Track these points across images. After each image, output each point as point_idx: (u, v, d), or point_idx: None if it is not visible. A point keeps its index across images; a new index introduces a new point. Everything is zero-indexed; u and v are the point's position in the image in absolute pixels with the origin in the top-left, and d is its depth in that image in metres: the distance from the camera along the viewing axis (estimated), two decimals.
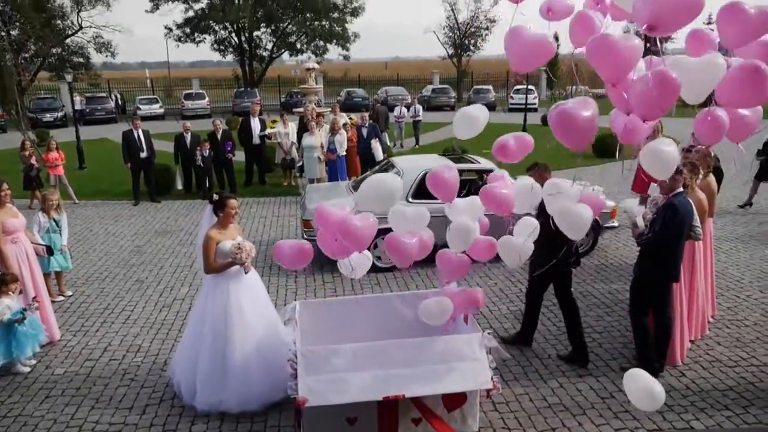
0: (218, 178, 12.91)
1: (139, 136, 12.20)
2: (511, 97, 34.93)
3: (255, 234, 10.08)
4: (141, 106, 32.88)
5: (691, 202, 5.03)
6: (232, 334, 4.61)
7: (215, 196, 4.83)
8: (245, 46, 39.46)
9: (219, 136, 12.73)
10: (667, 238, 4.82)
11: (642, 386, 3.34)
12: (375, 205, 3.93)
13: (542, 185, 4.36)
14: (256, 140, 13.63)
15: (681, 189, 4.95)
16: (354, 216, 3.90)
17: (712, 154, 6.60)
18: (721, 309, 6.59)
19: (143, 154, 12.23)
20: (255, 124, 13.70)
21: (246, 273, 4.76)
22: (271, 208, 12.01)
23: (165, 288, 7.69)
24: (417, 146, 20.08)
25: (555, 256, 5.03)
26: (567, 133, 3.33)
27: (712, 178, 6.17)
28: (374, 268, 8.03)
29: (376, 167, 9.75)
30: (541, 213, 4.74)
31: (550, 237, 4.45)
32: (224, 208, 4.74)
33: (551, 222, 3.98)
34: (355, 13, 39.16)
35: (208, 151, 12.54)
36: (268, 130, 13.98)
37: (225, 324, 4.62)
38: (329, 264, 7.11)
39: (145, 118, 24.95)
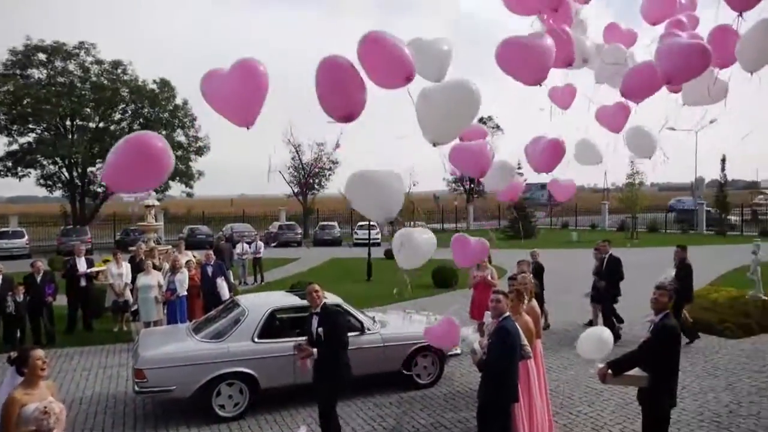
0: (34, 326, 11.33)
1: None
2: (356, 233, 36.48)
3: (75, 390, 8.80)
4: None
5: (517, 325, 5.48)
6: None
7: (13, 353, 4.18)
8: (77, 181, 37.22)
9: (39, 279, 11.40)
10: (503, 359, 5.12)
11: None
12: None
13: None
14: (83, 282, 12.43)
15: (508, 313, 5.39)
16: None
17: (533, 282, 7.36)
18: (557, 426, 6.96)
19: None
20: (81, 264, 12.56)
21: None
22: (98, 357, 10.70)
23: None
24: (262, 283, 19.71)
25: None
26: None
27: (534, 302, 6.85)
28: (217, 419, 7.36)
29: (221, 307, 9.31)
30: None
31: None
32: (28, 363, 4.03)
33: None
34: (200, 152, 39.41)
35: (22, 295, 11.06)
36: (95, 268, 12.87)
37: None
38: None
39: None
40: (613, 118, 6.16)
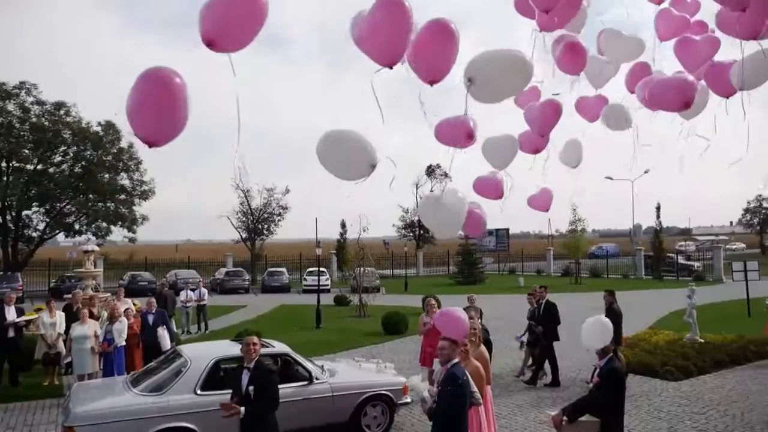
0: None
1: None
2: (305, 279, 35.99)
3: None
4: None
5: (467, 371, 5.47)
6: None
7: None
8: (10, 225, 35.41)
9: None
10: (453, 407, 5.07)
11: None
12: None
13: None
14: (11, 332, 11.64)
15: (457, 359, 5.38)
16: None
17: (482, 328, 7.42)
18: None
19: None
20: (10, 313, 11.79)
21: None
22: (23, 415, 9.94)
23: None
24: (206, 332, 19.00)
25: None
26: None
27: (483, 348, 6.87)
28: None
29: (162, 357, 8.89)
30: None
31: None
32: None
33: None
34: (145, 196, 38.37)
35: None
36: (25, 317, 12.13)
37: None
38: None
39: None
40: (591, 109, 6.24)
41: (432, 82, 4.07)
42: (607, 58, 5.87)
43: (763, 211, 73.08)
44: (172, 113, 3.23)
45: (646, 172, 49.46)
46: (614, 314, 10.57)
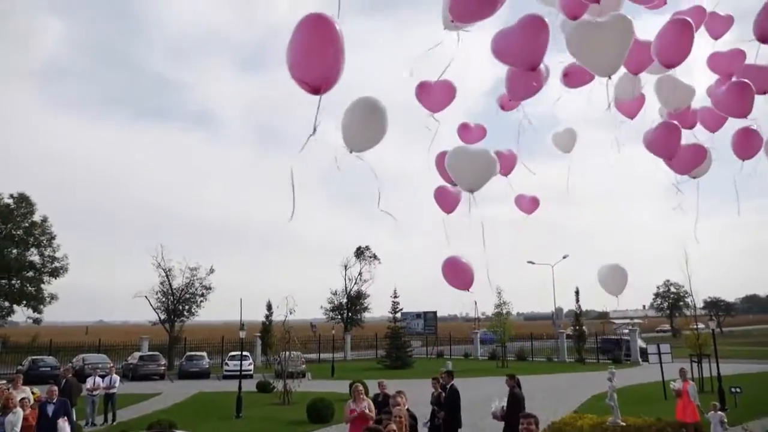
0: None
1: None
2: (226, 364, 34.16)
3: None
4: None
5: None
6: None
7: None
8: None
9: None
10: None
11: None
12: None
13: None
14: None
15: None
16: None
17: (409, 415, 7.24)
18: None
19: None
20: None
21: None
22: None
23: None
24: (113, 423, 17.38)
25: None
26: None
27: None
28: None
29: None
30: None
31: None
32: None
33: None
34: (56, 273, 36.00)
35: None
36: None
37: None
38: None
39: None
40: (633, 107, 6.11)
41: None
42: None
43: (672, 296, 77.84)
44: (337, 56, 3.54)
45: (564, 257, 52.22)
46: (516, 398, 10.75)
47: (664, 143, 5.34)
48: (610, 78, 4.37)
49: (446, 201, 6.18)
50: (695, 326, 26.99)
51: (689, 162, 5.59)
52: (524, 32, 4.43)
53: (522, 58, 4.57)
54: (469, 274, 5.60)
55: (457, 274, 5.65)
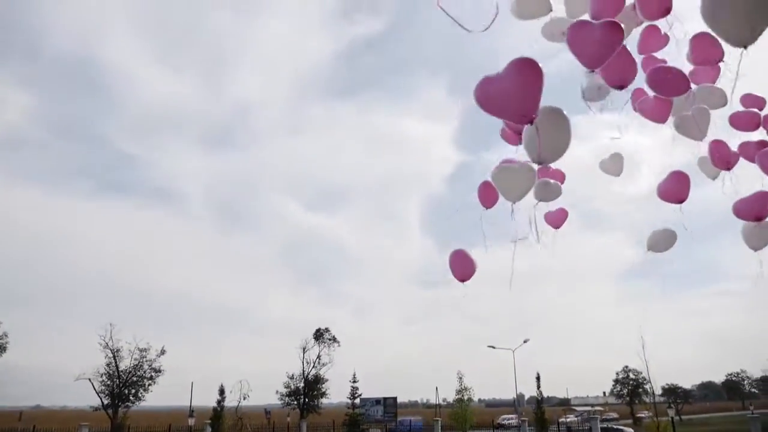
0: None
1: None
2: None
3: None
4: None
5: None
6: None
7: None
8: None
9: None
10: None
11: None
12: None
13: None
14: None
15: None
16: None
17: None
18: None
19: None
20: None
21: None
22: None
23: None
24: None
25: None
26: None
27: None
28: None
29: None
30: None
31: None
32: None
33: None
34: None
35: None
36: None
37: None
38: None
39: None
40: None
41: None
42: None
43: (631, 382, 77.75)
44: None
45: (525, 342, 52.05)
46: None
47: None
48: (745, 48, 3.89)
49: (464, 266, 6.21)
50: (654, 416, 26.89)
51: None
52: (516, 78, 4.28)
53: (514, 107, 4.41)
54: (471, 267, 5.70)
55: (462, 263, 5.65)
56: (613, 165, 6.78)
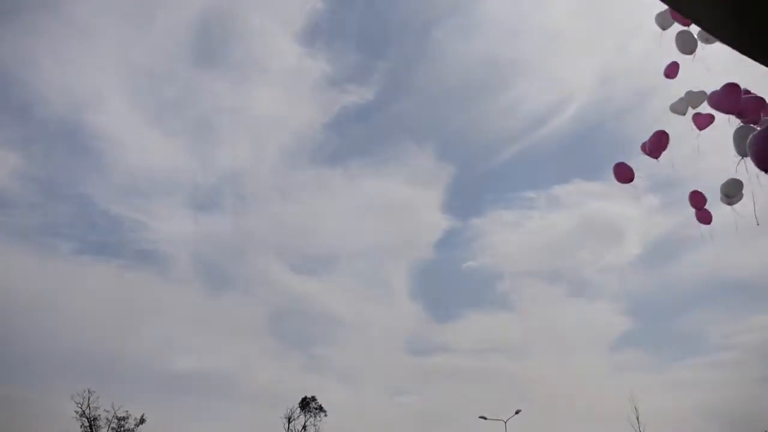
0: None
1: None
2: None
3: None
4: None
5: None
6: None
7: None
8: None
9: None
10: None
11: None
12: None
13: None
14: None
15: None
16: None
17: None
18: None
19: None
20: None
21: None
22: None
23: None
24: None
25: None
26: None
27: None
28: None
29: None
30: None
31: None
32: None
33: None
34: None
35: None
36: None
37: None
38: None
39: None
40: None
41: None
42: None
43: None
44: None
45: (517, 413, 50.39)
46: None
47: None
48: None
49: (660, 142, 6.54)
50: None
51: None
52: None
53: None
54: (630, 172, 6.45)
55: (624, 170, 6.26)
56: (681, 105, 7.38)
